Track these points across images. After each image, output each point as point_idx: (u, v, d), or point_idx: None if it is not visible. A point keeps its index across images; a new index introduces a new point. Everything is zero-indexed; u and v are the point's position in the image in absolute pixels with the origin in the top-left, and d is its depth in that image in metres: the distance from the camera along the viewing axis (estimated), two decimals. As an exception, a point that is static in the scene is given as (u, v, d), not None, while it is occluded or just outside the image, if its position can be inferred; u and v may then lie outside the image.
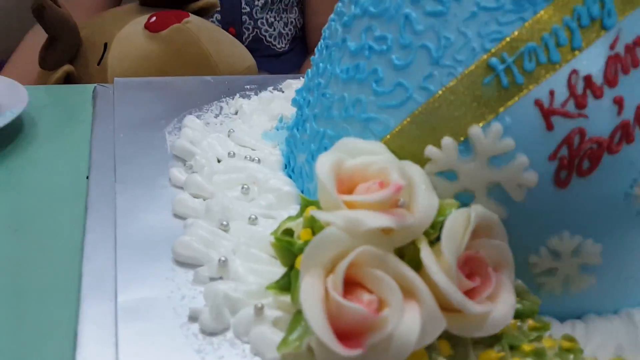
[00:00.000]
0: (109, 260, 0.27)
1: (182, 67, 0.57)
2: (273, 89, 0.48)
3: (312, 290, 0.19)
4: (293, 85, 0.47)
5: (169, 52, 0.57)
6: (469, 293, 0.21)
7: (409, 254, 0.22)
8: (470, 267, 0.22)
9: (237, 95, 0.45)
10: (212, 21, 0.75)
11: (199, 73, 0.55)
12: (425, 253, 0.21)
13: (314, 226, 0.23)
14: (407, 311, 0.20)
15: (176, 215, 0.30)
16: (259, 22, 0.80)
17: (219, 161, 0.34)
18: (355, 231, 0.20)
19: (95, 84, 0.48)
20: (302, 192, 0.31)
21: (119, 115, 0.42)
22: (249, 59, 0.62)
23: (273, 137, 0.38)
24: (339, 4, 0.30)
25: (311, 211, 0.22)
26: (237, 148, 0.36)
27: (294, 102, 0.33)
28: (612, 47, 0.22)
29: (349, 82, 0.27)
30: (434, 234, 0.22)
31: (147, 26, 0.58)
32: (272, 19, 0.81)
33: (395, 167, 0.22)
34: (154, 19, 0.58)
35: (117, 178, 0.33)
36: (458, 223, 0.21)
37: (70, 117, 0.46)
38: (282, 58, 0.83)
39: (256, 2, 0.79)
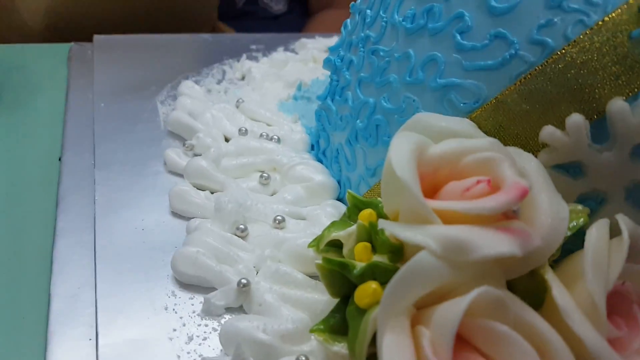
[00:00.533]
0: (87, 280, 0.20)
1: None
2: (284, 50, 0.40)
3: (398, 352, 0.13)
4: (308, 44, 0.39)
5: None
6: (613, 344, 0.14)
7: (521, 287, 0.15)
8: (611, 306, 0.15)
9: (244, 56, 0.37)
10: None
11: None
12: (559, 291, 0.14)
13: (376, 240, 0.16)
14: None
15: (175, 214, 0.23)
16: None
17: (226, 140, 0.27)
18: (462, 261, 0.13)
19: (72, 43, 0.40)
20: (339, 182, 0.24)
21: (99, 81, 0.34)
22: None
23: (292, 108, 0.30)
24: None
25: (383, 224, 0.15)
26: (248, 123, 0.28)
27: (327, 63, 0.25)
28: None
29: (417, 33, 0.19)
30: (556, 254, 0.15)
31: None
32: None
33: (508, 160, 0.15)
34: None
35: (97, 162, 0.26)
36: (604, 242, 0.14)
37: (39, 83, 0.38)
38: (279, 20, 0.74)
39: None
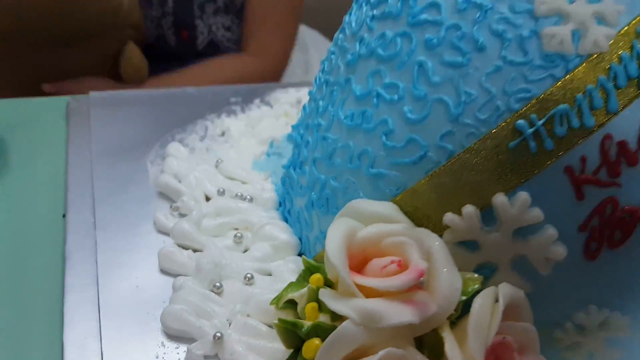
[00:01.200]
0: (93, 329, 0.24)
1: None
2: (260, 102, 0.45)
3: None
4: (281, 99, 0.44)
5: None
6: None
7: (429, 341, 0.20)
8: (496, 354, 0.20)
9: (223, 113, 0.42)
10: (162, 21, 0.70)
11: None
12: (450, 346, 0.19)
13: (321, 302, 0.21)
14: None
15: (163, 272, 0.27)
16: (212, 26, 0.72)
17: (207, 199, 0.32)
18: (375, 327, 0.18)
19: (69, 97, 0.45)
20: (301, 239, 0.29)
21: (96, 139, 0.38)
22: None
23: (264, 165, 0.35)
24: (339, 35, 0.27)
25: (322, 295, 0.20)
26: (226, 183, 0.33)
27: (290, 138, 0.30)
28: (650, 110, 0.20)
29: (355, 129, 0.24)
30: (455, 314, 0.20)
31: None
32: (229, 22, 0.74)
33: (415, 244, 0.20)
34: None
35: (97, 222, 0.30)
36: (485, 309, 0.19)
37: (41, 136, 0.42)
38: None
39: (208, 7, 0.71)
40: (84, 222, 0.31)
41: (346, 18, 0.27)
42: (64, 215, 0.33)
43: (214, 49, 0.74)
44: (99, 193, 0.33)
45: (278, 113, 0.42)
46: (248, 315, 0.24)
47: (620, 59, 0.19)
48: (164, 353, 0.23)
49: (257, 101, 0.45)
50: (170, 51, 0.73)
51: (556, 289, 0.21)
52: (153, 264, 0.28)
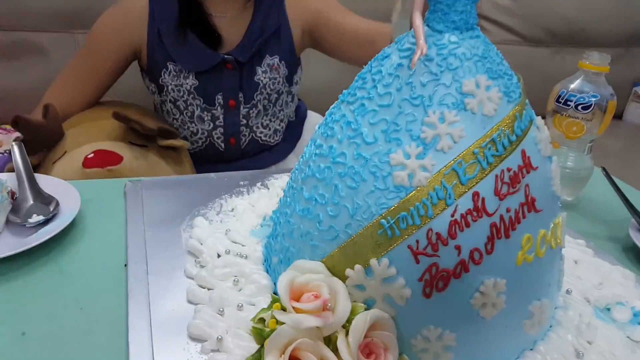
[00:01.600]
0: (147, 339, 0.41)
1: None
2: (261, 185, 0.63)
3: (274, 350, 0.34)
4: (275, 183, 0.62)
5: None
6: (368, 364, 0.35)
7: (333, 340, 0.36)
8: (370, 349, 0.36)
9: (233, 194, 0.60)
10: (214, 133, 0.90)
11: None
12: (340, 341, 0.35)
13: (274, 315, 0.38)
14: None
15: (189, 302, 0.44)
16: (254, 127, 0.90)
17: (218, 256, 0.49)
18: (298, 328, 0.35)
19: (126, 181, 0.63)
20: (275, 284, 0.45)
21: (146, 212, 0.57)
22: None
23: (258, 234, 0.52)
24: (300, 159, 0.45)
25: (275, 313, 0.36)
26: (231, 245, 0.50)
27: (272, 219, 0.48)
28: (452, 215, 0.36)
29: (303, 218, 0.41)
30: (349, 326, 0.36)
31: (84, 160, 0.74)
32: (268, 121, 0.91)
33: (326, 285, 0.37)
34: (92, 155, 0.75)
35: (149, 270, 0.48)
36: (360, 322, 0.36)
37: (109, 208, 0.61)
38: (272, 150, 0.94)
39: (252, 113, 0.89)
40: (139, 270, 0.48)
41: (305, 149, 0.45)
42: (125, 265, 0.50)
43: (254, 145, 0.93)
44: (149, 250, 0.51)
45: (272, 194, 0.60)
46: (238, 328, 0.40)
47: (434, 189, 0.36)
48: (188, 347, 0.40)
49: (259, 184, 0.63)
50: (219, 154, 0.91)
51: (409, 314, 0.37)
52: (183, 297, 0.45)
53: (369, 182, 0.38)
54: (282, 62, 0.89)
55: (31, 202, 0.59)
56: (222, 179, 0.64)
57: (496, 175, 0.37)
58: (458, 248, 0.36)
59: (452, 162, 0.36)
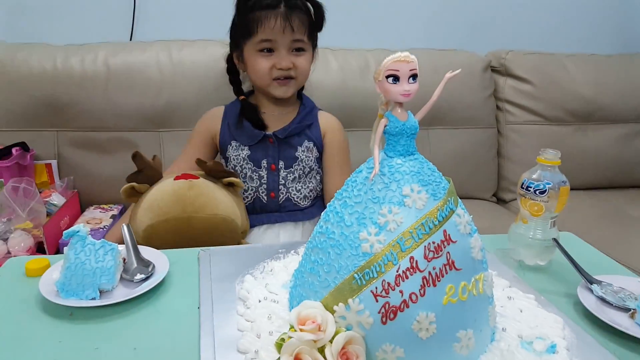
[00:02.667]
0: (212, 353, 0.64)
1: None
2: (293, 252, 0.87)
3: (286, 354, 0.56)
4: (300, 251, 0.86)
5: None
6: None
7: (323, 350, 0.58)
8: (347, 356, 0.57)
9: (273, 259, 0.84)
10: (260, 189, 1.20)
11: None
12: (327, 350, 0.57)
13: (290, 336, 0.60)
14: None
15: (239, 330, 0.67)
16: (290, 189, 1.22)
17: (259, 301, 0.72)
18: (301, 340, 0.57)
19: (199, 250, 0.89)
20: (295, 319, 0.68)
21: (213, 272, 0.82)
22: (222, 210, 1.06)
23: (287, 286, 0.76)
24: (308, 244, 0.68)
25: (288, 332, 0.59)
26: (268, 294, 0.74)
27: (294, 275, 0.71)
28: (397, 270, 0.58)
29: (310, 274, 0.65)
30: (333, 341, 0.58)
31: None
32: (300, 187, 1.23)
33: (320, 316, 0.59)
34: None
35: (214, 310, 0.72)
36: (341, 338, 0.57)
37: (187, 269, 0.86)
38: (305, 211, 1.24)
39: (289, 177, 1.22)
40: (207, 310, 0.73)
41: (314, 228, 0.69)
42: (198, 307, 0.75)
43: (289, 203, 1.23)
44: (214, 297, 0.75)
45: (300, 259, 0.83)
46: (268, 345, 0.63)
47: (386, 254, 0.58)
48: (237, 358, 0.62)
49: (292, 251, 0.87)
50: (263, 206, 1.23)
51: (373, 335, 0.58)
52: (235, 326, 0.68)
53: (347, 250, 0.61)
54: (315, 147, 1.26)
55: (135, 265, 0.85)
56: (267, 247, 0.89)
57: (425, 246, 0.59)
58: (401, 292, 0.58)
59: (396, 237, 0.59)
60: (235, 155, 1.23)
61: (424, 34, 2.14)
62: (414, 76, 0.60)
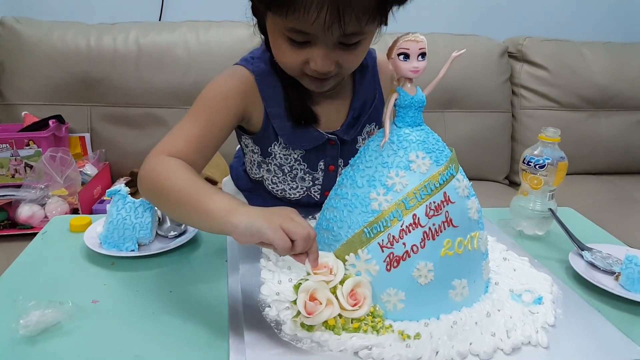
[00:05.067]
0: (238, 293, 0.73)
1: None
2: (312, 217, 0.95)
3: (301, 300, 0.65)
4: (320, 215, 0.95)
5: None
6: (354, 304, 0.66)
7: (334, 290, 0.67)
8: (355, 298, 0.66)
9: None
10: (313, 189, 1.09)
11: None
12: (338, 291, 0.66)
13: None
14: (327, 307, 0.64)
15: (262, 278, 0.77)
16: None
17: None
18: (315, 282, 0.66)
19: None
20: (311, 269, 0.77)
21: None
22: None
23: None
24: (325, 204, 0.77)
25: (306, 276, 0.68)
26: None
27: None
28: (401, 225, 0.66)
29: (325, 229, 0.73)
30: (344, 284, 0.67)
31: None
32: None
33: (333, 262, 0.68)
34: None
35: (240, 264, 0.81)
36: (350, 282, 0.66)
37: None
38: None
39: None
40: (234, 264, 0.82)
41: (331, 192, 0.77)
42: (226, 261, 0.84)
43: None
44: (240, 254, 0.84)
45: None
46: (288, 290, 0.72)
47: (392, 212, 0.67)
48: (260, 296, 0.72)
49: (310, 217, 0.95)
50: (314, 203, 1.01)
51: (378, 280, 0.67)
52: (258, 275, 0.77)
53: (358, 208, 0.69)
54: (377, 127, 0.97)
55: (169, 223, 0.95)
56: (286, 212, 0.98)
57: (426, 205, 0.67)
58: (404, 244, 0.66)
59: (402, 197, 0.67)
60: (284, 155, 0.93)
61: (444, 20, 2.19)
62: (423, 54, 0.68)
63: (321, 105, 0.90)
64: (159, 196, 0.75)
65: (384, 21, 0.77)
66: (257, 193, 1.05)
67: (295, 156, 0.93)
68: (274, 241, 0.62)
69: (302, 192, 0.99)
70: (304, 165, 0.95)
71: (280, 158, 0.94)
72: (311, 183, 0.98)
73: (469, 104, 2.00)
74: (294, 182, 0.97)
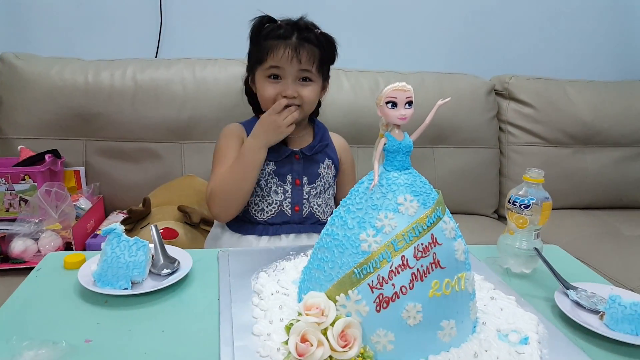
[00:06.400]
0: (230, 332, 0.75)
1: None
2: (303, 254, 0.97)
3: (293, 341, 0.66)
4: (309, 252, 0.97)
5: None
6: (345, 346, 0.67)
7: (325, 332, 0.68)
8: (345, 339, 0.68)
9: (284, 260, 0.95)
10: (284, 203, 1.29)
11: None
12: (329, 332, 0.67)
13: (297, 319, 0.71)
14: (318, 348, 0.66)
15: (253, 317, 0.78)
16: (312, 203, 1.31)
17: (272, 294, 0.83)
18: (307, 323, 0.67)
19: (218, 250, 1.00)
20: (303, 309, 0.78)
21: (231, 269, 0.92)
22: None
23: (296, 282, 0.86)
24: (316, 245, 0.79)
25: (297, 317, 0.69)
26: (280, 289, 0.84)
27: (303, 272, 0.82)
28: (390, 267, 0.68)
29: (317, 269, 0.75)
30: (334, 325, 0.68)
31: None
32: (320, 201, 1.32)
33: (324, 303, 0.69)
34: (162, 230, 1.32)
35: (232, 299, 0.82)
36: (340, 323, 0.68)
37: (208, 267, 0.97)
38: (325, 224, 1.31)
39: (312, 192, 1.31)
40: (226, 302, 0.83)
41: (322, 232, 0.79)
42: (218, 299, 0.85)
43: (311, 216, 1.32)
44: (232, 290, 0.85)
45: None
46: (279, 330, 0.73)
47: (381, 253, 0.69)
48: (252, 338, 0.73)
49: (302, 254, 0.97)
50: (287, 219, 1.31)
51: (369, 321, 0.69)
52: (250, 314, 0.78)
53: (349, 249, 0.71)
54: (333, 165, 1.35)
55: (162, 261, 0.96)
56: (279, 249, 1.00)
57: (415, 247, 0.69)
58: (393, 285, 0.68)
59: (391, 239, 0.69)
60: (260, 171, 1.26)
61: (432, 59, 2.26)
62: (410, 103, 0.71)
63: (290, 137, 1.30)
64: (231, 187, 1.22)
65: (326, 74, 1.32)
66: (240, 224, 1.32)
67: (269, 170, 1.26)
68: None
69: (276, 208, 1.28)
70: (276, 179, 1.27)
71: (259, 173, 1.26)
72: (282, 196, 1.27)
73: (457, 140, 2.04)
74: (269, 197, 1.27)
